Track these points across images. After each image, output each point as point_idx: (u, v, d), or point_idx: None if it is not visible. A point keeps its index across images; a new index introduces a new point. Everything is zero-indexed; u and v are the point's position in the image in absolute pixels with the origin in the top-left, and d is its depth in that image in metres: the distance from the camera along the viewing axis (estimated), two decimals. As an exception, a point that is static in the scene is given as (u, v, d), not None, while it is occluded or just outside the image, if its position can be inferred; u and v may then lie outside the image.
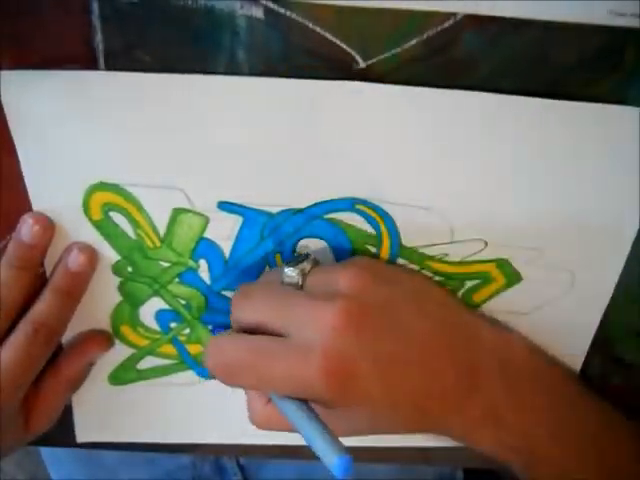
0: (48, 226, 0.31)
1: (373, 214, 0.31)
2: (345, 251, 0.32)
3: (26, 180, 0.31)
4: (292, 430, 0.28)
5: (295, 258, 0.30)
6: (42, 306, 0.32)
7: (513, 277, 0.33)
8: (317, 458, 0.26)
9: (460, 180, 0.30)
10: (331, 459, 0.25)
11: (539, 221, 0.31)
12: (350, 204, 0.31)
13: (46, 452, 0.51)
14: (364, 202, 0.31)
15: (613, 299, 0.33)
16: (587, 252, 0.31)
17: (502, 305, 0.33)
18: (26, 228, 0.31)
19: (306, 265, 0.30)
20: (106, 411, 0.37)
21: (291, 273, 0.29)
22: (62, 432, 0.38)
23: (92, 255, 0.32)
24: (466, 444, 0.31)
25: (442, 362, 0.29)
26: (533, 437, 0.31)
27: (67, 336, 0.35)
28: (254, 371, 0.27)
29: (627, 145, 0.29)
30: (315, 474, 0.42)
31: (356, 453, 0.37)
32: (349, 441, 0.36)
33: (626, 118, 0.28)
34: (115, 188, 0.31)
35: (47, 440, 0.38)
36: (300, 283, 0.29)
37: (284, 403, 0.28)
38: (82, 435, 0.38)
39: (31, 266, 0.32)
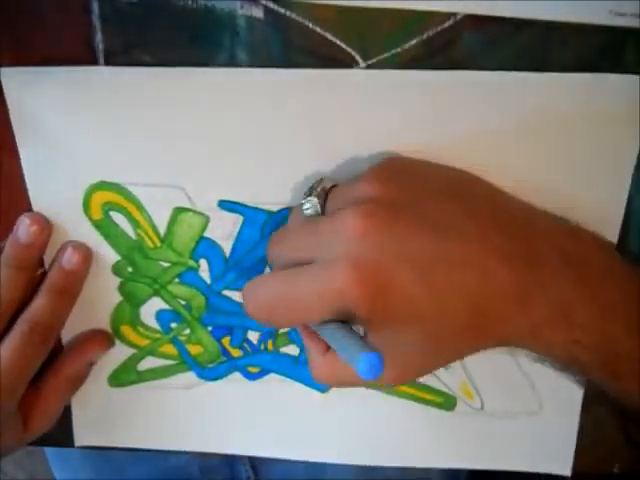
0: (45, 226, 0.31)
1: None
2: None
3: (26, 179, 0.31)
4: (353, 382, 0.27)
5: (310, 187, 0.28)
6: (38, 305, 0.32)
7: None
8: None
9: (460, 167, 0.30)
10: (357, 357, 0.23)
11: (536, 203, 0.30)
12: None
13: (50, 450, 0.51)
14: None
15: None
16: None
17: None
18: (23, 228, 0.31)
19: (322, 189, 0.28)
20: (105, 415, 0.37)
21: (309, 203, 0.28)
22: (62, 433, 0.38)
23: (87, 254, 0.32)
24: (533, 349, 0.29)
25: (492, 259, 0.25)
26: (609, 333, 0.27)
27: (68, 336, 0.35)
28: (288, 303, 0.26)
29: (626, 116, 0.28)
30: (325, 473, 0.42)
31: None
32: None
33: (624, 86, 0.28)
34: (116, 187, 0.31)
35: (47, 440, 0.38)
36: (320, 210, 0.27)
37: (322, 328, 0.26)
38: (81, 439, 0.38)
39: (28, 266, 0.32)
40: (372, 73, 0.28)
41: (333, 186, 0.28)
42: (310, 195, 0.28)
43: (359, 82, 0.28)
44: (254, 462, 0.45)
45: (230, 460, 0.45)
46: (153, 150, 0.30)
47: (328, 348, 0.28)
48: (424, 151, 0.29)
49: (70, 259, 0.32)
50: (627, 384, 0.29)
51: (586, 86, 0.28)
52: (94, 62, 0.28)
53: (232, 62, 0.28)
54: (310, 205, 0.28)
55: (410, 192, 0.26)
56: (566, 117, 0.29)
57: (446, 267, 0.25)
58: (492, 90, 0.28)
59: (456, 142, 0.29)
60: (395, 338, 0.25)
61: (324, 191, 0.28)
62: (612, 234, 0.31)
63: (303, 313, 0.26)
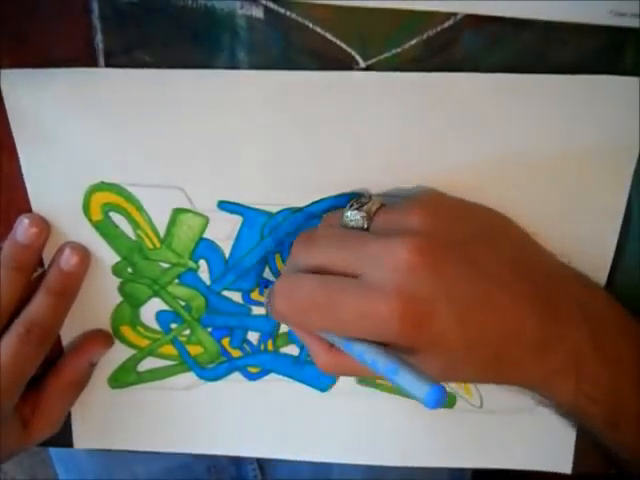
0: (44, 227, 0.31)
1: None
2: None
3: (26, 180, 0.31)
4: (359, 373, 0.28)
5: (358, 200, 0.29)
6: (35, 307, 0.32)
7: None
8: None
9: (458, 171, 0.30)
10: (422, 390, 0.23)
11: (536, 204, 0.30)
12: (348, 201, 0.31)
13: (55, 449, 0.51)
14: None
15: (609, 280, 0.33)
16: (582, 234, 0.31)
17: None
18: (22, 229, 0.31)
19: (372, 206, 0.28)
20: (105, 417, 0.37)
21: (355, 216, 0.28)
22: (62, 433, 0.37)
23: (85, 255, 0.32)
24: (543, 395, 0.30)
25: (523, 307, 0.27)
26: (617, 389, 0.28)
27: (68, 337, 0.35)
28: (326, 310, 0.26)
29: (622, 121, 0.28)
30: (331, 473, 0.42)
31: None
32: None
33: (623, 89, 0.28)
34: (115, 188, 0.31)
35: (47, 441, 0.38)
36: (365, 225, 0.28)
37: (357, 344, 0.26)
38: (80, 441, 0.38)
39: (26, 267, 0.32)
40: (372, 75, 0.28)
41: (382, 205, 0.29)
42: (358, 209, 0.28)
43: (359, 84, 0.28)
44: (261, 461, 0.45)
45: (237, 459, 0.45)
46: (153, 151, 0.30)
47: (332, 346, 0.28)
48: (423, 153, 0.29)
49: (68, 260, 0.32)
50: (626, 436, 0.30)
51: (586, 88, 0.28)
52: (94, 62, 0.28)
53: (232, 62, 0.28)
54: (357, 219, 0.28)
55: (457, 232, 0.27)
56: (566, 119, 0.29)
57: (482, 309, 0.26)
58: (492, 92, 0.28)
59: (456, 144, 0.29)
60: (417, 364, 0.26)
61: (372, 209, 0.28)
62: (611, 237, 0.31)
63: (339, 325, 0.26)
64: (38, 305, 0.32)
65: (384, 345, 0.26)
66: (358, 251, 0.27)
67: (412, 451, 0.37)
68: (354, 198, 0.29)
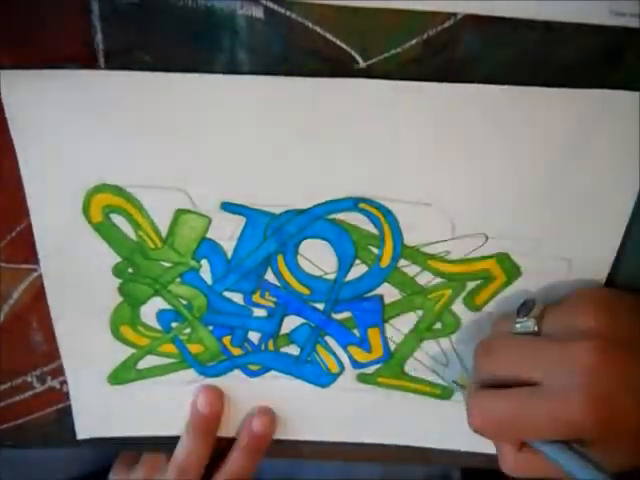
0: (220, 394, 0.36)
1: (376, 212, 0.31)
2: (348, 252, 0.32)
3: (24, 182, 0.31)
4: (550, 474, 0.29)
5: (522, 306, 0.31)
6: (231, 465, 0.37)
7: (513, 272, 0.33)
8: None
9: (461, 174, 0.30)
10: None
11: (538, 209, 0.31)
12: (353, 203, 0.31)
13: None
14: (367, 201, 0.31)
15: (608, 281, 0.33)
16: (583, 237, 0.32)
17: (502, 305, 0.33)
18: (202, 400, 0.36)
19: (536, 311, 0.30)
20: (106, 409, 0.37)
21: (525, 322, 0.30)
22: (62, 432, 0.38)
23: (271, 418, 0.37)
24: None
25: None
26: None
27: (66, 336, 0.35)
28: (519, 423, 0.28)
29: (625, 131, 0.29)
30: (359, 473, 0.44)
31: (353, 452, 0.38)
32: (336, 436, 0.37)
33: (626, 103, 0.28)
34: (116, 190, 0.31)
35: (47, 440, 0.38)
36: (536, 329, 0.30)
37: (549, 447, 0.28)
38: (82, 432, 0.38)
39: (212, 433, 0.37)
40: (375, 83, 0.28)
41: (546, 306, 0.30)
42: (526, 315, 0.30)
43: (361, 89, 0.28)
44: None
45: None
46: (155, 153, 0.30)
47: (523, 446, 0.30)
48: (425, 157, 0.29)
49: (259, 423, 0.37)
50: None
51: (586, 102, 0.28)
52: (94, 62, 0.28)
53: (232, 62, 0.28)
54: (527, 326, 0.30)
55: (626, 327, 0.28)
56: (566, 132, 0.29)
57: None
58: (493, 103, 0.28)
59: (456, 152, 0.29)
60: (603, 452, 0.28)
61: (539, 312, 0.30)
62: (614, 241, 0.32)
63: (532, 433, 0.28)
64: (234, 463, 0.37)
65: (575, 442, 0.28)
66: (538, 358, 0.28)
67: (410, 434, 0.38)
68: (520, 304, 0.31)
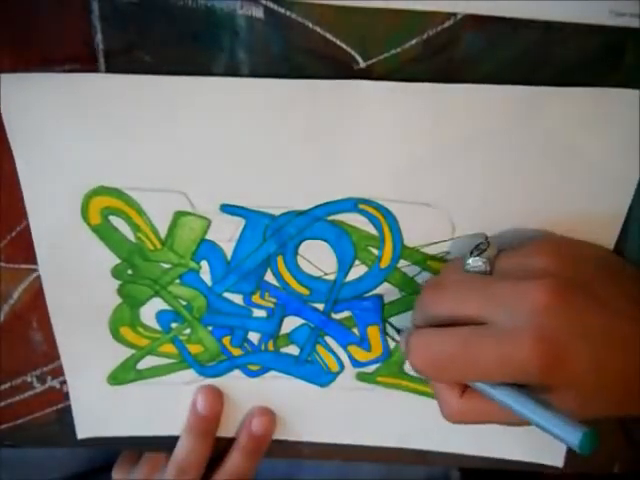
0: (219, 394, 0.36)
1: (376, 213, 0.31)
2: (347, 253, 0.32)
3: (22, 185, 0.31)
4: (494, 418, 0.28)
5: (476, 247, 0.29)
6: (230, 465, 0.37)
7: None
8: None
9: (460, 174, 0.30)
10: (575, 436, 0.25)
11: (539, 210, 0.31)
12: (353, 204, 0.31)
13: None
14: (367, 201, 0.31)
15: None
16: (583, 237, 0.31)
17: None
18: (200, 401, 0.36)
19: (490, 252, 0.29)
20: (106, 409, 0.37)
21: (477, 262, 0.29)
22: (62, 432, 0.38)
23: (272, 419, 0.37)
24: None
25: None
26: None
27: (65, 337, 0.35)
28: (464, 362, 0.27)
29: (626, 129, 0.29)
30: (360, 473, 0.43)
31: (353, 452, 0.38)
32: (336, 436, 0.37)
33: (626, 101, 0.28)
34: (115, 192, 0.31)
35: (47, 440, 0.38)
36: (488, 270, 0.29)
37: (498, 390, 0.27)
38: (82, 432, 0.38)
39: (211, 434, 0.37)
40: (374, 85, 0.28)
41: (499, 250, 0.29)
42: (479, 255, 0.29)
43: (361, 92, 0.28)
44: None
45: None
46: (154, 155, 0.30)
47: (464, 392, 0.29)
48: (426, 158, 0.29)
49: (258, 424, 0.37)
50: None
51: (586, 100, 0.28)
52: (94, 62, 0.28)
53: (232, 62, 0.28)
54: (479, 265, 0.29)
55: (582, 272, 0.27)
56: (566, 128, 0.29)
57: (614, 346, 0.26)
58: (493, 103, 0.28)
59: (456, 153, 0.29)
60: (553, 401, 0.27)
61: (493, 254, 0.29)
62: (610, 243, 0.31)
63: (479, 374, 0.27)
64: (233, 464, 0.37)
65: (521, 386, 0.27)
66: (488, 296, 0.27)
67: (410, 436, 0.38)
68: (474, 246, 0.30)
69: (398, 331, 0.34)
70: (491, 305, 0.27)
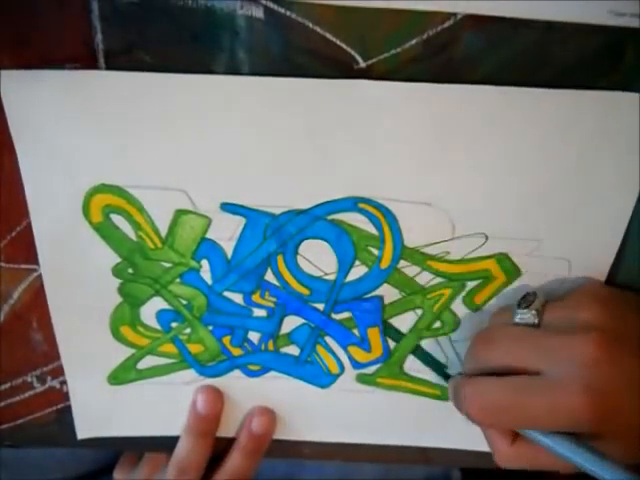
0: (219, 395, 0.36)
1: (376, 212, 0.31)
2: (348, 253, 0.32)
3: (24, 182, 0.31)
4: (543, 465, 0.30)
5: (524, 298, 0.31)
6: (230, 465, 0.37)
7: (512, 273, 0.33)
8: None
9: (460, 174, 0.30)
10: None
11: (538, 209, 0.31)
12: (352, 203, 0.31)
13: None
14: (366, 200, 0.31)
15: (608, 281, 0.33)
16: (583, 238, 0.32)
17: (502, 304, 0.34)
18: (200, 401, 0.36)
19: (538, 303, 0.30)
20: (106, 409, 0.37)
21: (526, 314, 0.30)
22: (62, 432, 0.38)
23: (273, 419, 0.37)
24: None
25: None
26: None
27: (65, 337, 0.35)
28: (516, 409, 0.28)
29: (625, 132, 0.29)
30: (361, 473, 0.44)
31: (353, 452, 0.38)
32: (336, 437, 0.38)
33: (625, 104, 0.28)
34: (116, 190, 0.31)
35: (47, 440, 0.38)
36: (537, 322, 0.30)
37: (550, 438, 0.28)
38: (82, 432, 0.38)
39: (211, 434, 0.37)
40: (374, 84, 0.28)
41: (546, 301, 0.31)
42: (527, 307, 0.30)
43: (361, 92, 0.28)
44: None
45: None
46: (155, 153, 0.30)
47: (515, 439, 0.30)
48: (425, 157, 0.29)
49: (258, 424, 0.37)
50: None
51: (586, 103, 0.28)
52: (94, 62, 0.28)
53: (232, 62, 0.28)
54: (528, 317, 0.30)
55: (629, 323, 0.28)
56: (565, 130, 0.29)
57: None
58: (492, 104, 0.28)
59: (455, 153, 0.29)
60: (598, 446, 0.28)
61: (540, 306, 0.30)
62: (614, 241, 0.32)
63: (530, 422, 0.28)
64: (233, 464, 0.37)
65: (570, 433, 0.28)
66: (538, 348, 0.28)
67: (409, 434, 0.38)
68: (521, 297, 0.31)
69: (446, 377, 0.34)
70: (542, 358, 0.28)
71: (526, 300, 0.30)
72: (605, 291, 0.31)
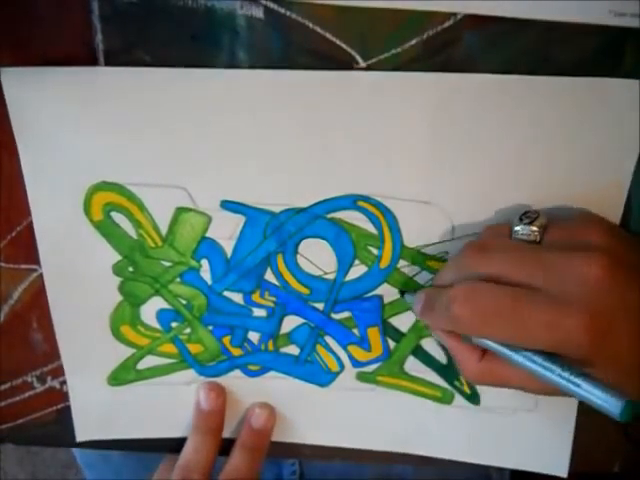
0: (221, 391, 0.36)
1: (375, 211, 0.31)
2: (347, 252, 0.32)
3: (26, 180, 0.31)
4: (512, 383, 0.28)
5: (526, 214, 0.29)
6: (234, 463, 0.36)
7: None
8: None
9: (459, 172, 0.30)
10: (615, 404, 0.24)
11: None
12: (351, 201, 0.31)
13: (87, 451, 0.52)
14: (365, 198, 0.31)
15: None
16: None
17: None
18: (203, 397, 0.36)
19: (542, 221, 0.28)
20: (105, 411, 0.37)
21: (527, 229, 0.28)
22: (62, 432, 0.38)
23: (272, 412, 0.37)
24: None
25: None
26: None
27: (66, 336, 0.35)
28: (512, 319, 0.26)
29: (625, 120, 0.29)
30: (362, 472, 0.43)
31: (354, 453, 0.38)
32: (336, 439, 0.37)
33: (624, 91, 0.28)
34: (117, 188, 0.31)
35: (47, 440, 0.38)
36: (538, 239, 0.28)
37: (521, 354, 0.27)
38: (82, 434, 0.38)
39: (217, 430, 0.37)
40: (373, 74, 0.28)
41: (548, 220, 0.29)
42: (529, 223, 0.28)
43: (360, 84, 0.28)
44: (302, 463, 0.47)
45: (278, 459, 0.47)
46: (155, 151, 0.30)
47: (483, 356, 0.29)
48: (425, 153, 0.29)
49: (258, 419, 0.36)
50: None
51: (586, 90, 0.28)
52: (94, 62, 0.28)
53: (232, 62, 0.28)
54: (529, 232, 0.28)
55: (631, 252, 0.27)
56: (566, 121, 0.29)
57: None
58: (493, 93, 0.28)
59: (455, 144, 0.29)
60: (589, 372, 0.27)
61: (544, 224, 0.28)
62: None
63: (523, 335, 0.26)
64: (236, 461, 0.36)
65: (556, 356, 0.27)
66: (538, 263, 0.27)
67: (411, 440, 0.37)
68: (522, 213, 0.29)
69: (402, 293, 0.32)
70: (543, 273, 0.27)
71: (528, 216, 0.29)
72: (610, 222, 0.30)
